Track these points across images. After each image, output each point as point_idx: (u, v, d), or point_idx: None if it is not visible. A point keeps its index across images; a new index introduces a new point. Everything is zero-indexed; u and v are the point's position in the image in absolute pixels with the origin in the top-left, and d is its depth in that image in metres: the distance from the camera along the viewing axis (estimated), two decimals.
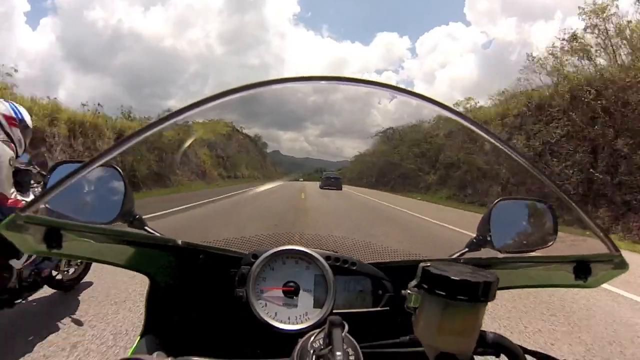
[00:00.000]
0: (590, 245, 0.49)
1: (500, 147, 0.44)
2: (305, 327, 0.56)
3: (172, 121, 0.39)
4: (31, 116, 2.04)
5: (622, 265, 0.49)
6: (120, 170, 0.61)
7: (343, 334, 0.40)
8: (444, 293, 0.38)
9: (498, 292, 0.40)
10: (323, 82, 0.42)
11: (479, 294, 0.38)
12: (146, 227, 0.65)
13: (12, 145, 1.77)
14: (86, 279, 2.63)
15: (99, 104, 13.27)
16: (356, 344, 0.43)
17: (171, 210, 6.94)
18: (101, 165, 0.38)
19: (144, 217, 0.65)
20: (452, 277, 0.38)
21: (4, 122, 1.78)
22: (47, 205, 0.44)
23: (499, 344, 0.43)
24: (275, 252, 0.61)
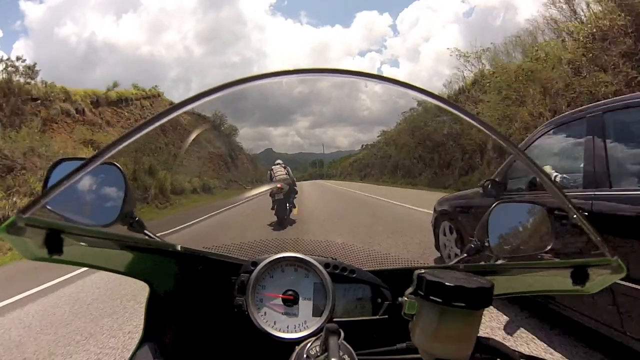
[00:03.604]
0: (587, 249, 0.48)
1: (494, 137, 0.44)
2: (304, 336, 0.57)
3: (165, 120, 0.39)
4: None
5: (619, 270, 0.49)
6: (121, 168, 0.60)
7: (339, 341, 0.41)
8: (439, 300, 0.39)
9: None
10: (308, 75, 0.42)
11: (475, 300, 0.38)
12: (145, 231, 0.65)
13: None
14: None
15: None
16: (352, 351, 0.44)
17: None
18: (102, 163, 0.37)
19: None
20: (447, 284, 0.39)
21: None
22: (47, 206, 0.42)
23: (495, 349, 0.44)
24: (273, 260, 0.62)
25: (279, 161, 6.84)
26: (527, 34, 13.63)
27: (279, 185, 6.19)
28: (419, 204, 8.23)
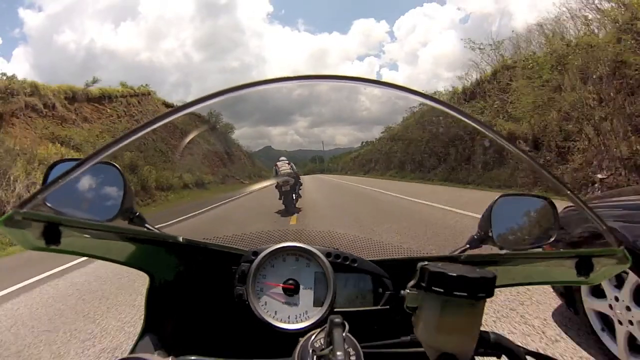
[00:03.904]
0: (591, 239, 0.50)
1: (496, 138, 0.45)
2: (306, 327, 0.57)
3: (164, 122, 0.40)
4: None
5: (624, 260, 0.48)
6: (120, 168, 0.61)
7: (344, 334, 0.41)
8: (441, 290, 0.39)
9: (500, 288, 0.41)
10: (308, 81, 0.43)
11: (477, 289, 0.38)
12: (146, 225, 0.65)
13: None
14: None
15: None
16: (357, 343, 0.44)
17: None
18: (99, 163, 0.38)
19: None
20: (450, 274, 0.39)
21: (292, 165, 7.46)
22: (46, 202, 0.44)
23: (500, 345, 0.44)
24: (275, 249, 0.62)
25: (282, 158, 7.75)
26: (552, 21, 12.61)
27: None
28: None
